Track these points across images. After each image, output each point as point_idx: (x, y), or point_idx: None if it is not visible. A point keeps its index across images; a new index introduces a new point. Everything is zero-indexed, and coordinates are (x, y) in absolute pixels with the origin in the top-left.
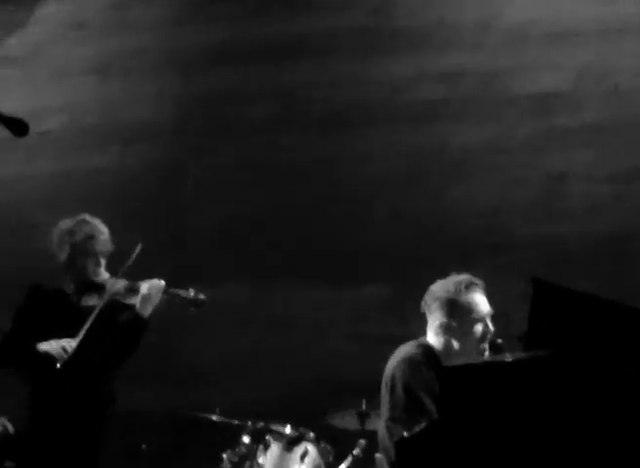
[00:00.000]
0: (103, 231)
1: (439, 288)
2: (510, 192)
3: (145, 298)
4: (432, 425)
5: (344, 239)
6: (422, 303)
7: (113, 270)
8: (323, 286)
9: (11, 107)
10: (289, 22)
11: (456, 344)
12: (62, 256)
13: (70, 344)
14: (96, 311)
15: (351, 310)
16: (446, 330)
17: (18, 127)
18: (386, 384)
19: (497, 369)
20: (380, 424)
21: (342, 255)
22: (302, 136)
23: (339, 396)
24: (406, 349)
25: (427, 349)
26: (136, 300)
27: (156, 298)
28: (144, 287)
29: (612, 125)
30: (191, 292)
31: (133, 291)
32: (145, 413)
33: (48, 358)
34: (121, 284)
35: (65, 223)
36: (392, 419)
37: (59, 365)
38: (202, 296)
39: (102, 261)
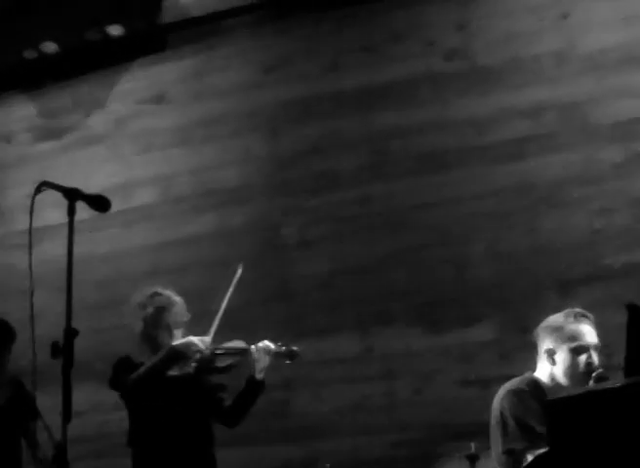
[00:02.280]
0: (175, 302)
1: (550, 318)
2: (602, 222)
3: (258, 363)
4: (540, 459)
5: (443, 283)
6: (534, 333)
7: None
8: (426, 332)
9: (100, 185)
10: (366, 74)
11: (560, 373)
12: (137, 330)
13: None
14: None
15: (456, 355)
16: (550, 356)
17: (99, 204)
18: (496, 419)
19: (599, 397)
20: (491, 462)
21: (442, 300)
22: (392, 184)
23: (447, 441)
24: (511, 383)
25: (532, 382)
26: (223, 363)
27: (266, 360)
28: (255, 351)
29: None
30: (283, 346)
31: (220, 354)
32: None
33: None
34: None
35: (138, 297)
36: (507, 452)
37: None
38: (295, 348)
39: (176, 333)
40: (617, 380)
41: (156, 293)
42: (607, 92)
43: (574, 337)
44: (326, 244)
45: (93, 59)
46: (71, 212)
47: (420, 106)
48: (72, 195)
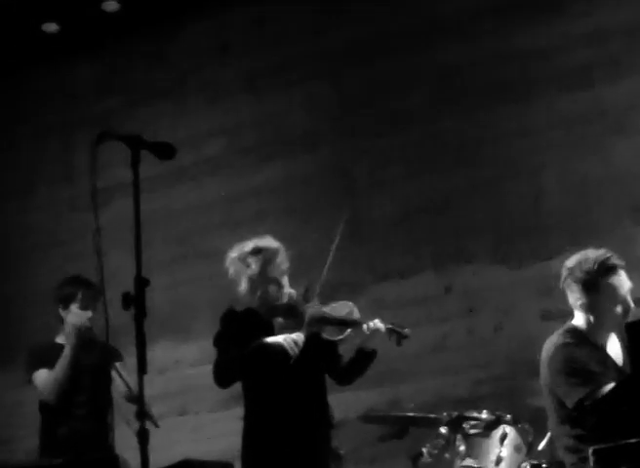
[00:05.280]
0: (277, 251)
1: (577, 266)
2: None
3: (367, 339)
4: (623, 384)
5: (518, 216)
6: (561, 280)
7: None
8: (504, 267)
9: (167, 139)
10: (428, 8)
11: (598, 322)
12: (243, 287)
13: (300, 337)
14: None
15: (536, 288)
16: (588, 309)
17: (163, 151)
18: (547, 384)
19: None
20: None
21: (519, 234)
22: (461, 119)
23: (530, 376)
24: (553, 340)
25: (574, 331)
26: (334, 336)
27: (374, 340)
28: (365, 330)
29: None
30: (393, 327)
31: (337, 324)
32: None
33: (281, 351)
34: (320, 311)
35: (238, 252)
36: (576, 407)
37: (292, 360)
38: (406, 330)
39: (284, 281)
40: None
41: (257, 249)
42: None
43: (610, 292)
44: (398, 184)
45: (153, 14)
46: (135, 161)
47: (484, 38)
48: (135, 143)
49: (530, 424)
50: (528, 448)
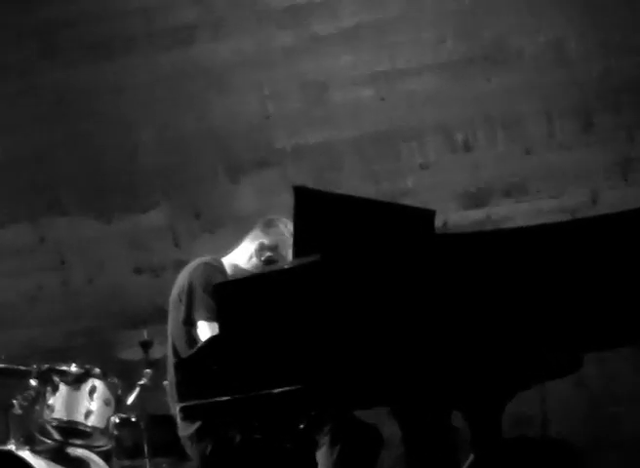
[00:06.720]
0: None
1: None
2: (273, 106)
3: None
4: (212, 340)
5: (114, 171)
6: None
7: None
8: (98, 221)
9: None
10: None
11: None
12: None
13: None
14: None
15: (126, 241)
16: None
17: None
18: (182, 290)
19: (267, 278)
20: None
21: (114, 188)
22: (63, 73)
23: (121, 328)
24: (201, 259)
25: (220, 263)
26: None
27: None
28: None
29: (369, 26)
30: None
31: None
32: None
33: None
34: None
35: None
36: (185, 322)
37: None
38: None
39: None
40: (285, 263)
41: None
42: None
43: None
44: None
45: None
46: None
47: None
48: None
49: (118, 378)
50: (116, 401)
